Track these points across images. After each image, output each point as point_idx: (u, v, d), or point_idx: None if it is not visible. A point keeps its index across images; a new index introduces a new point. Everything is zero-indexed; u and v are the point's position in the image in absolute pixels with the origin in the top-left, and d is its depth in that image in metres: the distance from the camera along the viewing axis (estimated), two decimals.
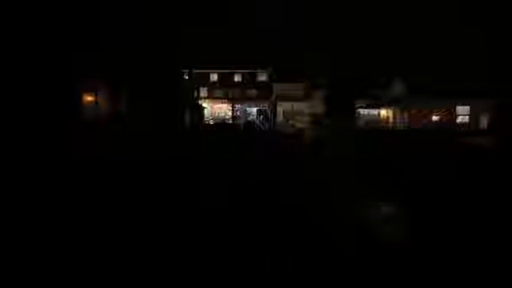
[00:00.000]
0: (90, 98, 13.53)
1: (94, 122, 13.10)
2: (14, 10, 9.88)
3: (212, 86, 51.09)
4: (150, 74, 18.74)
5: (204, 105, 45.21)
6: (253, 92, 51.90)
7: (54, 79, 11.05)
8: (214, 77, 51.23)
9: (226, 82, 50.77)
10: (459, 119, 30.63)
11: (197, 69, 41.48)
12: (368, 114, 38.73)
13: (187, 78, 32.65)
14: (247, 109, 51.87)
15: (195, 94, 37.65)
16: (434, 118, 30.92)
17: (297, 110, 50.33)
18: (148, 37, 19.05)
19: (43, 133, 10.11)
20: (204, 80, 49.06)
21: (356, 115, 40.09)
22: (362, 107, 39.74)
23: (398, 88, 34.88)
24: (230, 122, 46.18)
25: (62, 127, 10.89)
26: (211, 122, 44.64)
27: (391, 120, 34.76)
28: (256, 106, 51.90)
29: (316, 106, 49.29)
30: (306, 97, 50.97)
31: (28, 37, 10.21)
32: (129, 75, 16.37)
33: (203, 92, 49.59)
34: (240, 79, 51.40)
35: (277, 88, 51.34)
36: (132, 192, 8.01)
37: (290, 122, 45.03)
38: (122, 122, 15.26)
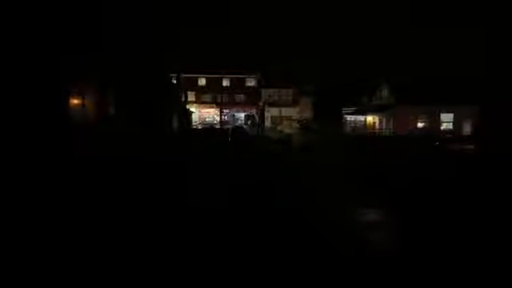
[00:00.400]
0: (77, 101, 13.38)
1: (81, 124, 12.95)
2: (2, 14, 9.76)
3: (200, 91, 50.95)
4: (138, 78, 18.63)
5: (192, 109, 45.02)
6: (241, 97, 51.94)
7: (42, 82, 10.91)
8: (203, 81, 51.13)
9: (214, 86, 50.70)
10: (443, 126, 31.23)
11: (185, 73, 41.31)
12: (355, 120, 39.13)
13: (175, 81, 32.54)
14: (235, 114, 51.87)
15: (183, 98, 37.48)
16: (419, 124, 31.42)
17: (285, 115, 50.62)
18: (136, 41, 18.97)
19: (30, 134, 9.96)
20: (192, 84, 48.89)
21: (343, 121, 40.51)
22: (348, 113, 40.15)
23: (384, 95, 35.40)
24: (218, 126, 46.04)
25: (50, 129, 10.74)
26: (199, 127, 44.45)
27: (377, 126, 35.19)
28: (244, 112, 51.95)
29: (304, 111, 49.68)
30: (294, 102, 51.31)
31: (15, 39, 10.08)
32: (116, 78, 16.24)
33: (191, 96, 49.43)
34: (228, 84, 51.42)
35: (265, 93, 51.55)
36: (117, 192, 7.95)
37: (279, 127, 45.20)
38: (109, 124, 15.11)
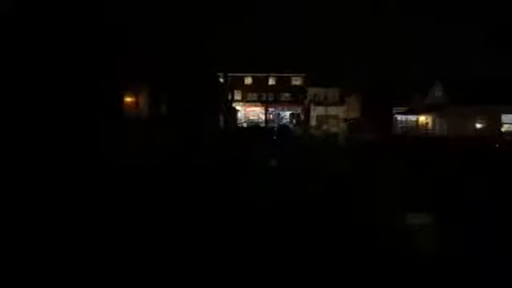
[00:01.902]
0: (130, 99, 13.91)
1: (135, 123, 13.45)
2: (58, 17, 10.32)
3: (246, 89, 51.38)
4: (188, 77, 19.08)
5: (238, 107, 45.49)
6: (286, 96, 51.75)
7: (97, 80, 11.42)
8: (249, 80, 51.51)
9: (260, 85, 50.93)
10: (504, 128, 29.01)
11: (232, 72, 41.81)
12: (406, 120, 37.53)
13: (222, 80, 33.05)
14: (280, 112, 51.75)
15: (230, 97, 37.99)
16: (478, 125, 29.40)
17: (331, 114, 49.65)
18: (186, 41, 19.43)
19: (85, 134, 10.47)
20: (239, 83, 49.38)
21: (393, 121, 39.01)
22: (399, 113, 38.61)
23: (438, 94, 33.61)
24: (263, 125, 46.15)
25: (104, 127, 11.24)
26: (244, 125, 44.79)
27: (430, 126, 33.51)
28: (289, 110, 51.69)
29: (350, 110, 48.47)
30: (340, 101, 50.18)
31: (69, 39, 10.60)
32: (168, 78, 16.73)
33: (237, 95, 50.00)
34: (274, 83, 51.39)
35: (311, 92, 50.90)
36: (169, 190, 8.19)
37: (324, 126, 44.47)
38: (161, 122, 15.60)
